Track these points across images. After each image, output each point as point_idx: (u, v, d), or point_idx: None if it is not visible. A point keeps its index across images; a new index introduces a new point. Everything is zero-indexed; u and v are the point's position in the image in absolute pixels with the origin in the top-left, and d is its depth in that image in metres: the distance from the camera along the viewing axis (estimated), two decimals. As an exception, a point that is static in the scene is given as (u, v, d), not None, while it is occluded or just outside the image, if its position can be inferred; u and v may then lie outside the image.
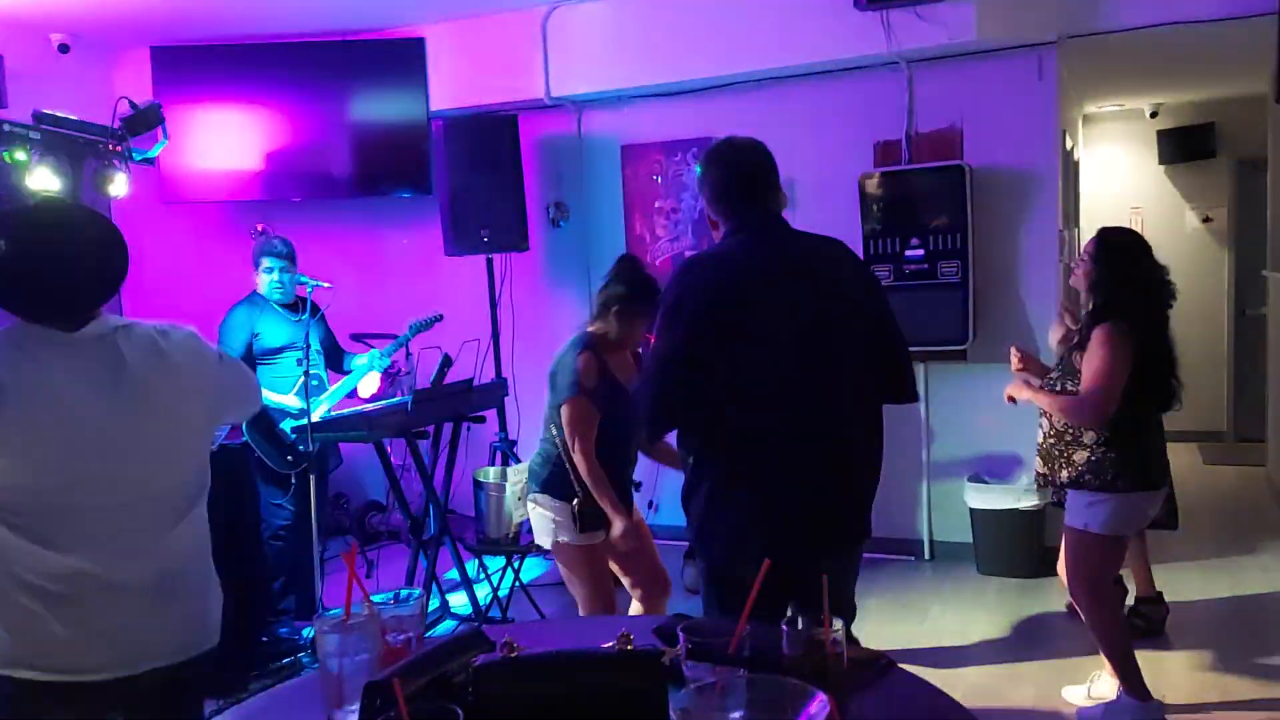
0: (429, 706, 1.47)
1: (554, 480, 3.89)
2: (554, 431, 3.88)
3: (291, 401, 5.00)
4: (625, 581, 4.12)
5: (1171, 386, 3.77)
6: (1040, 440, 3.96)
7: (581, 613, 4.03)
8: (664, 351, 2.74)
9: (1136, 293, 3.74)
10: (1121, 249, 3.85)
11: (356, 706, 1.64)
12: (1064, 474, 3.82)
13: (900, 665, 1.85)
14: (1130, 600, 4.81)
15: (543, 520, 3.94)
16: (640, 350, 3.98)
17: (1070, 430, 3.79)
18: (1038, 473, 4.01)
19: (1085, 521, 3.77)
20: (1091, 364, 3.67)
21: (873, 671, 1.79)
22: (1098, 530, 3.75)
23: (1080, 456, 3.76)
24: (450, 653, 1.72)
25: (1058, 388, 3.86)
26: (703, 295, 2.71)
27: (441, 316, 5.41)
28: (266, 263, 5.14)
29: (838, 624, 1.61)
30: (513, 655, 1.65)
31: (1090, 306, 3.89)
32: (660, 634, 1.90)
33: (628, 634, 1.67)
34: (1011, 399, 4.08)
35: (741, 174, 2.83)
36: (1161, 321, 3.79)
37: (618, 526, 3.75)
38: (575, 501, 3.80)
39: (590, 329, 3.92)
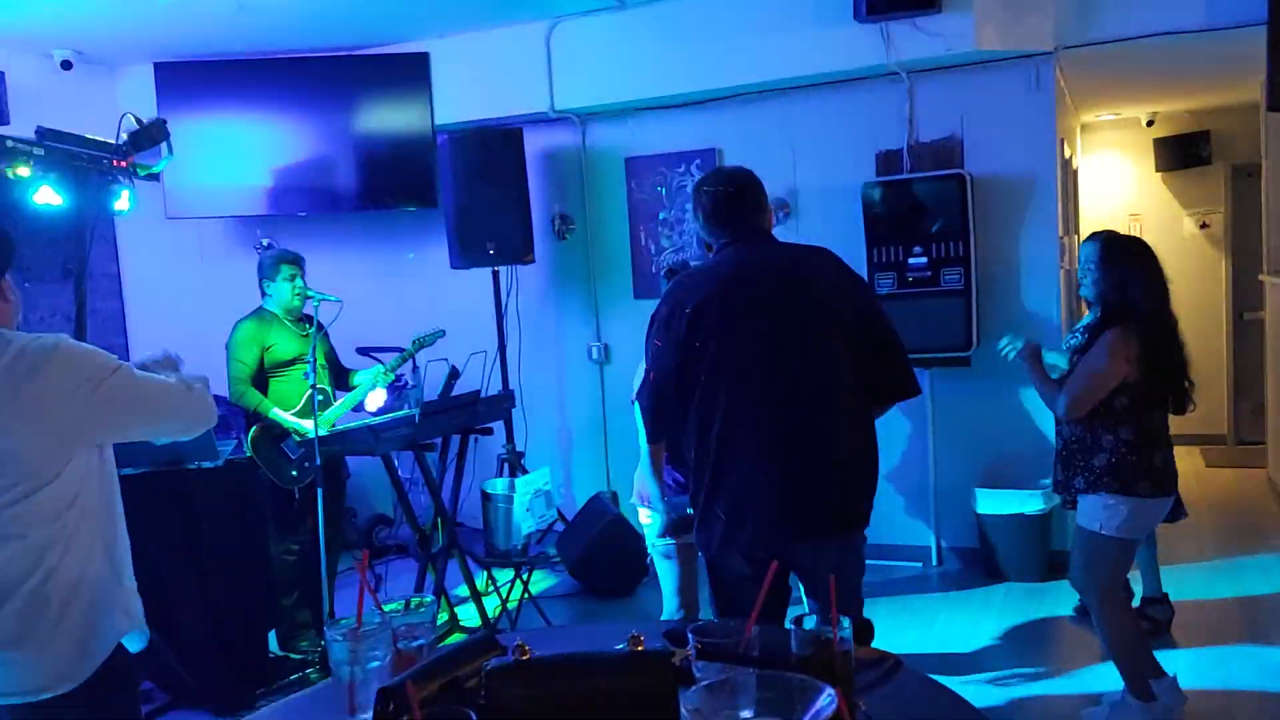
0: (442, 710, 1.49)
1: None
2: None
3: (299, 422, 5.03)
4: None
5: (1184, 390, 3.78)
6: (1060, 447, 3.97)
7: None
8: (656, 364, 3.04)
9: (1143, 297, 3.75)
10: (1125, 253, 3.86)
11: (369, 714, 1.66)
12: (1080, 480, 3.82)
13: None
14: (1135, 601, 4.81)
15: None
16: None
17: (1090, 435, 3.79)
18: (1055, 479, 4.02)
19: (1100, 524, 3.77)
20: (1087, 362, 3.72)
21: (881, 671, 1.81)
22: (1111, 533, 3.75)
23: (1100, 460, 3.75)
24: (462, 657, 1.74)
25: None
26: (688, 308, 2.98)
27: (444, 333, 5.43)
28: (286, 271, 5.12)
29: (845, 623, 1.63)
30: (524, 658, 1.67)
31: (1096, 312, 3.91)
32: (670, 636, 1.92)
33: (638, 635, 1.70)
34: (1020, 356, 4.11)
35: (726, 196, 3.11)
36: (1171, 324, 3.78)
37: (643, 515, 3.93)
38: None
39: None
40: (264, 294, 5.20)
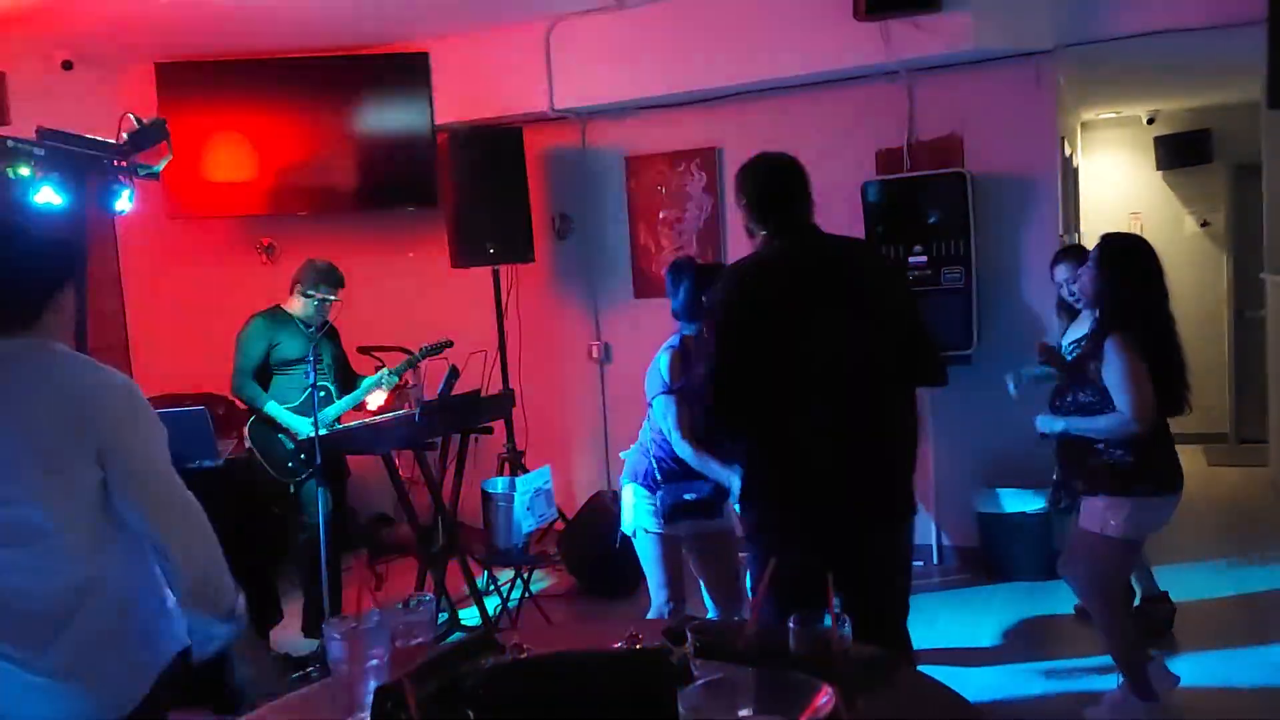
0: (440, 709, 1.49)
1: (638, 472, 4.08)
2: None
3: (296, 421, 5.06)
4: (702, 584, 4.20)
5: (1181, 391, 3.78)
6: (1057, 448, 3.96)
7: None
8: (716, 356, 2.99)
9: (1141, 298, 3.75)
10: (1125, 254, 3.86)
11: (367, 713, 1.65)
12: (1080, 481, 3.82)
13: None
14: (1135, 601, 4.81)
15: (628, 507, 4.12)
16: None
17: (1086, 437, 3.79)
18: (1056, 478, 4.02)
19: (1102, 525, 3.76)
20: (1118, 377, 3.67)
21: (880, 668, 1.81)
22: (1115, 534, 3.75)
23: (1098, 462, 3.76)
24: (461, 656, 1.74)
25: (1069, 397, 3.87)
26: (748, 299, 3.00)
27: (451, 343, 5.43)
28: (325, 291, 5.16)
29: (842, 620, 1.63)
30: (522, 657, 1.67)
31: (1096, 314, 3.91)
32: (669, 635, 1.92)
33: (636, 634, 1.69)
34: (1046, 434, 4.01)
35: (774, 185, 3.13)
36: (1169, 325, 3.78)
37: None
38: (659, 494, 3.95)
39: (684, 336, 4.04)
40: (291, 292, 5.23)
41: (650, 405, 4.01)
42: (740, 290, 3.06)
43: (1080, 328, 4.81)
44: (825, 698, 1.33)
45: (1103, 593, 3.87)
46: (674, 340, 4.03)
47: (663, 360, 3.96)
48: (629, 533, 4.13)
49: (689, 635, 1.69)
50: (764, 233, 3.14)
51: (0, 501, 2.07)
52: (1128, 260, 3.82)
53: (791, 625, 1.66)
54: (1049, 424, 3.96)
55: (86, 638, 2.12)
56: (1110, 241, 3.92)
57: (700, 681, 1.46)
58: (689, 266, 4.09)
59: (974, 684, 4.38)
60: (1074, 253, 4.99)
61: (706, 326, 3.13)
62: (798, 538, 2.95)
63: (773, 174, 3.16)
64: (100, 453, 2.10)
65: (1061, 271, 4.94)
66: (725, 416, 3.07)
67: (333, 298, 5.18)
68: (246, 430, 5.08)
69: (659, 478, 3.96)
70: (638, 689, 1.55)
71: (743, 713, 1.41)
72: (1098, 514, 3.78)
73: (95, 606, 2.13)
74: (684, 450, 3.86)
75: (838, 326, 2.96)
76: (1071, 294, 4.86)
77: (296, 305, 5.21)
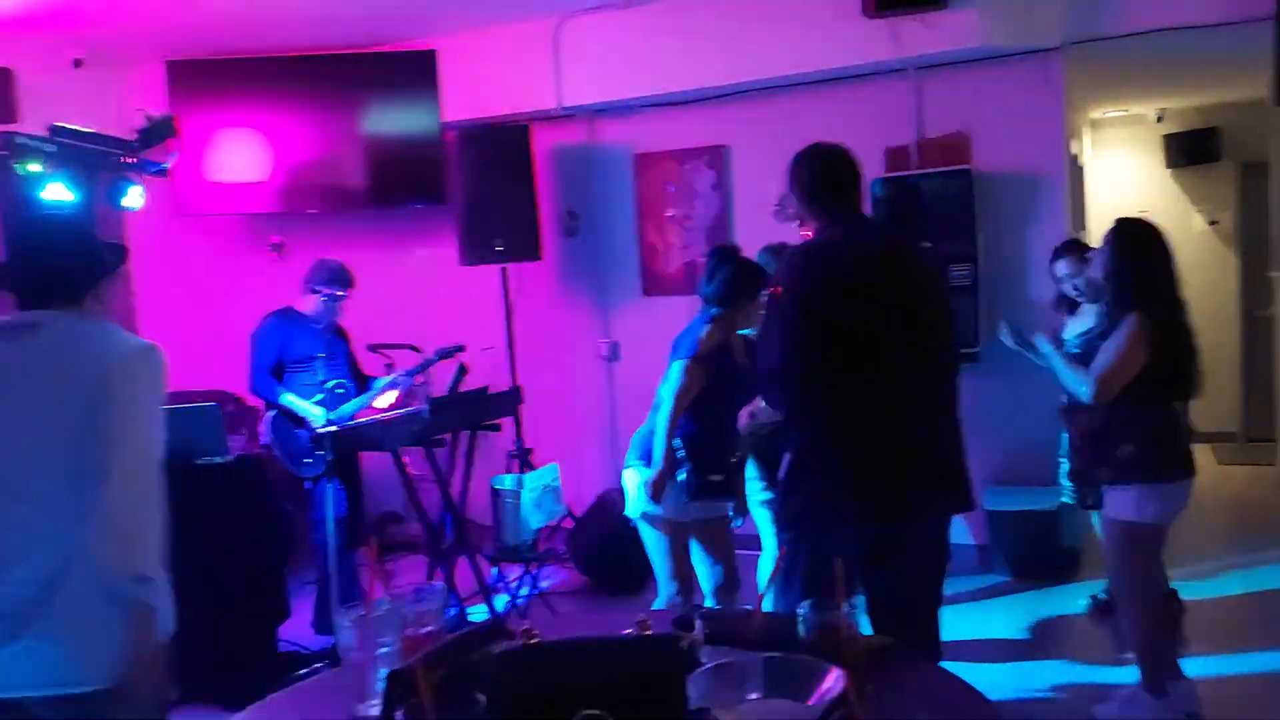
0: (451, 693, 1.50)
1: (641, 452, 4.08)
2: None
3: (313, 409, 5.07)
4: (700, 571, 4.20)
5: (1193, 374, 3.76)
6: (1076, 437, 3.95)
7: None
8: (787, 338, 3.05)
9: (1155, 280, 3.74)
10: (1139, 236, 3.84)
11: (378, 700, 1.66)
12: (1106, 470, 3.79)
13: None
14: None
15: (632, 490, 4.11)
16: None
17: (1113, 424, 3.76)
18: (1073, 469, 4.01)
19: (1135, 514, 3.73)
20: (1110, 349, 3.69)
21: (890, 657, 1.81)
22: (1150, 520, 3.73)
23: (1126, 451, 3.72)
24: (471, 642, 1.75)
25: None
26: (813, 282, 3.06)
27: (464, 347, 5.44)
28: (338, 291, 5.21)
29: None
30: (533, 643, 1.68)
31: (1105, 303, 3.90)
32: (678, 623, 1.92)
33: (645, 620, 1.70)
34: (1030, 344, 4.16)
35: (832, 174, 3.19)
36: (1181, 309, 3.77)
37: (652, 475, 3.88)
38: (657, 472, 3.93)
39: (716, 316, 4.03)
40: (304, 293, 5.26)
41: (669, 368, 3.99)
42: (808, 272, 3.10)
43: (1083, 321, 4.83)
44: (834, 680, 1.33)
45: (1138, 581, 3.84)
46: (703, 318, 4.01)
47: (702, 329, 3.94)
48: (634, 518, 4.11)
49: (698, 622, 1.70)
50: (821, 221, 3.20)
51: (24, 458, 2.21)
52: (1142, 242, 3.81)
53: (801, 612, 1.67)
54: (1042, 342, 4.12)
55: (76, 604, 2.19)
56: (1125, 224, 3.90)
57: (709, 666, 1.47)
58: (732, 255, 4.09)
59: (982, 681, 4.35)
60: (1075, 247, 4.99)
61: (775, 306, 3.13)
62: (848, 520, 2.98)
63: (829, 163, 3.21)
64: (92, 401, 2.22)
65: (1063, 266, 4.93)
66: (795, 397, 3.10)
67: (342, 294, 5.21)
68: (266, 425, 5.10)
69: (682, 455, 3.93)
70: (647, 674, 1.56)
71: (751, 696, 1.41)
72: (1130, 503, 3.74)
73: (93, 574, 2.20)
74: (661, 420, 3.87)
75: (898, 316, 3.02)
76: (1076, 288, 4.87)
77: (309, 304, 5.24)
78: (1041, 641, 4.90)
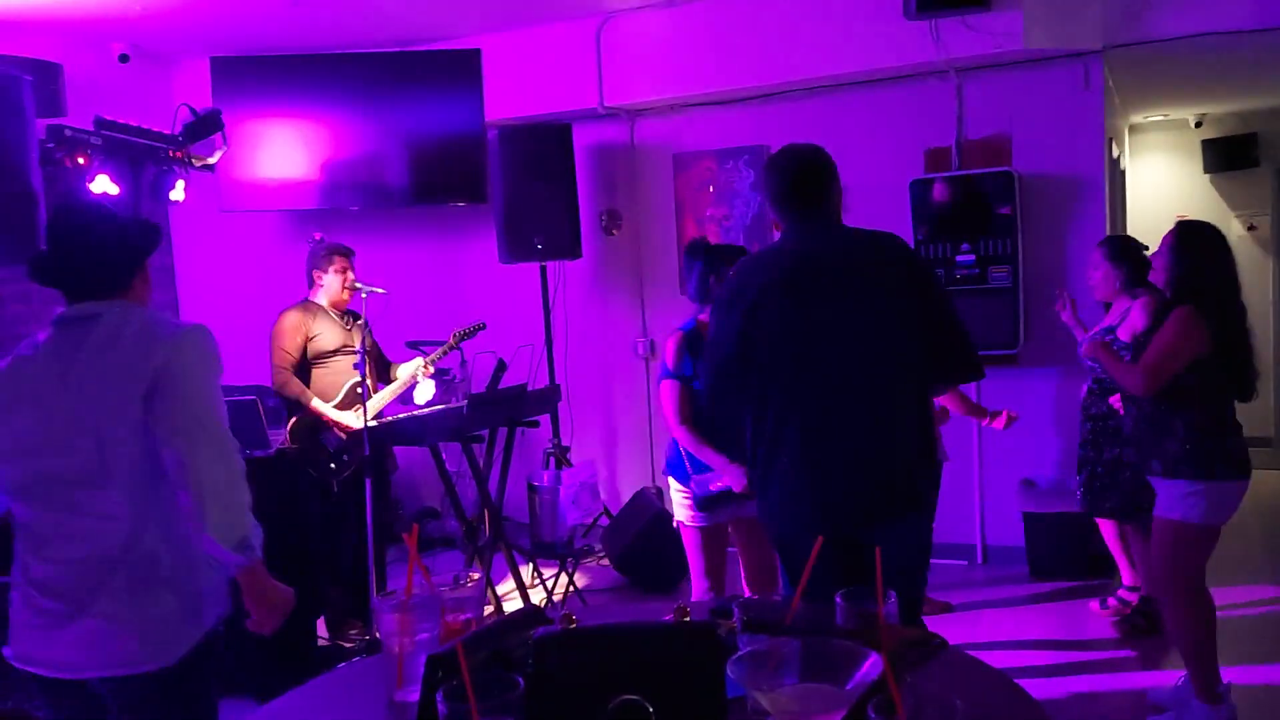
0: (490, 675, 1.51)
1: (671, 464, 4.10)
2: None
3: (336, 413, 5.07)
4: (741, 568, 4.22)
5: (1250, 376, 3.72)
6: (1130, 429, 3.93)
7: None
8: (719, 343, 3.03)
9: (1214, 280, 3.72)
10: (1201, 237, 3.83)
11: (416, 685, 1.68)
12: (1157, 463, 3.75)
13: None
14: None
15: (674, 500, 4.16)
16: None
17: (1162, 418, 3.73)
18: (1086, 464, 3.99)
19: (1184, 512, 3.68)
20: (1159, 338, 3.67)
21: (927, 648, 1.81)
22: (1198, 520, 3.67)
23: (1174, 446, 3.69)
24: (510, 627, 1.76)
25: None
26: (749, 291, 2.98)
27: (484, 325, 5.46)
28: (339, 262, 5.13)
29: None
30: (571, 628, 1.69)
31: (1167, 294, 3.87)
32: (716, 612, 1.94)
33: (684, 607, 1.71)
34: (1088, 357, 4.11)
35: (795, 178, 3.06)
36: (1239, 309, 3.74)
37: (733, 475, 3.83)
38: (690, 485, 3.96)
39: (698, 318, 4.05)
40: (311, 284, 5.22)
41: None
42: (743, 281, 3.04)
43: (1107, 320, 4.82)
44: (871, 665, 1.34)
45: (1180, 583, 3.78)
46: (688, 323, 4.02)
47: (670, 344, 3.99)
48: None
49: (736, 610, 1.71)
50: (784, 225, 3.13)
51: (84, 442, 2.27)
52: (1204, 243, 3.80)
53: (839, 601, 1.68)
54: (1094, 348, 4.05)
55: (136, 585, 2.29)
56: (1187, 226, 3.92)
57: (746, 651, 1.48)
58: (699, 248, 4.08)
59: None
60: (1104, 244, 4.99)
61: (711, 316, 3.13)
62: (797, 527, 2.96)
63: (792, 165, 3.09)
64: (150, 390, 2.29)
65: (1091, 259, 4.95)
66: (720, 407, 3.12)
67: (350, 266, 5.14)
68: (288, 430, 5.03)
69: (690, 469, 3.96)
70: (686, 660, 1.57)
71: (789, 682, 1.42)
72: (1177, 501, 3.70)
73: (145, 558, 2.30)
74: (681, 437, 3.91)
75: (840, 319, 2.92)
76: (1092, 280, 4.90)
77: (322, 292, 5.17)
78: (1075, 644, 4.86)
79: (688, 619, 1.69)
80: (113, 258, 2.46)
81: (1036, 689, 4.23)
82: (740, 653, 1.46)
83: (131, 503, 2.30)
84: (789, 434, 2.94)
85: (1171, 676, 4.05)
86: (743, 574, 4.22)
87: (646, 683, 1.56)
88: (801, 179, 3.06)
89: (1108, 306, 4.92)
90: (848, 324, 2.92)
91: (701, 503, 3.92)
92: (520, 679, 1.50)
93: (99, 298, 2.41)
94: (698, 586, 4.10)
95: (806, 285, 2.95)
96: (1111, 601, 5.10)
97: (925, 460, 3.09)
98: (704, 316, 3.97)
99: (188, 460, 2.28)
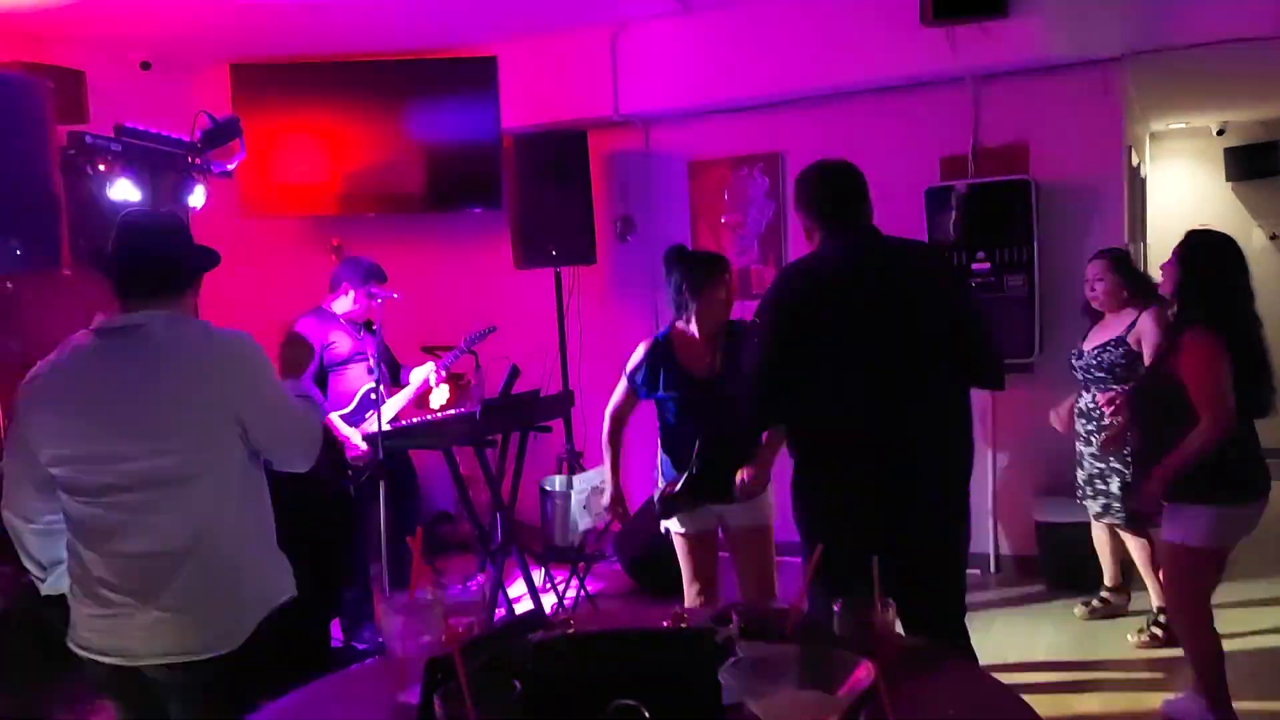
0: (488, 678, 1.53)
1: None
2: None
3: (345, 428, 5.07)
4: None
5: (1267, 392, 3.64)
6: (1130, 454, 3.86)
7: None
8: (759, 353, 3.09)
9: (1225, 294, 3.64)
10: (1209, 248, 3.75)
11: (418, 686, 1.69)
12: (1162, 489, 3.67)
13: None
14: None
15: None
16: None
17: (1168, 438, 3.62)
18: (1126, 482, 3.94)
19: (1183, 535, 3.63)
20: (1196, 373, 3.55)
21: (926, 656, 1.82)
22: (1196, 544, 3.61)
23: (1186, 471, 3.60)
24: (510, 632, 1.77)
25: (1144, 398, 3.80)
26: (792, 299, 3.09)
27: (495, 328, 5.50)
28: (376, 289, 5.14)
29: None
30: (569, 633, 1.71)
31: (1175, 309, 3.82)
32: (715, 618, 1.94)
33: (681, 612, 1.72)
34: (1153, 494, 3.71)
35: (836, 189, 3.22)
36: (1254, 324, 3.66)
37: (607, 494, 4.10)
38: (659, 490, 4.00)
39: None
40: (334, 290, 5.26)
41: None
42: (788, 288, 3.14)
43: (1105, 332, 4.80)
44: (864, 672, 1.34)
45: (1189, 606, 3.74)
46: (662, 331, 4.09)
47: (639, 349, 4.09)
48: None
49: (734, 616, 1.72)
50: (822, 235, 3.22)
51: (145, 447, 2.41)
52: (1213, 253, 3.72)
53: (836, 608, 1.69)
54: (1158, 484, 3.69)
55: (201, 578, 2.44)
56: (1195, 236, 3.81)
57: (741, 657, 1.48)
58: (674, 255, 4.11)
59: (1028, 693, 4.32)
60: (1104, 257, 5.00)
61: (755, 321, 3.18)
62: (841, 531, 2.94)
63: (828, 178, 3.25)
64: (236, 402, 2.50)
65: (1093, 269, 4.95)
66: (764, 412, 3.16)
67: (386, 294, 5.16)
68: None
69: (664, 474, 4.07)
70: (682, 665, 1.58)
71: (783, 688, 1.42)
72: (1180, 523, 3.65)
73: (211, 550, 2.45)
74: (604, 428, 4.10)
75: (882, 326, 3.00)
76: (1093, 294, 4.92)
77: (343, 303, 5.22)
78: (1089, 654, 4.83)
79: (684, 624, 1.70)
80: (179, 266, 2.63)
81: (1047, 702, 4.25)
82: (733, 659, 1.46)
83: (196, 499, 2.44)
84: (827, 445, 3.01)
85: (1187, 692, 4.00)
86: (739, 586, 4.17)
87: (643, 687, 1.57)
88: (843, 190, 3.22)
89: (1094, 313, 4.96)
90: (888, 331, 3.00)
91: (660, 510, 3.95)
92: (518, 682, 1.51)
93: (154, 303, 2.53)
94: (687, 593, 4.10)
95: (847, 294, 3.04)
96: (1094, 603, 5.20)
97: (968, 468, 3.16)
98: (681, 325, 4.02)
99: (283, 455, 2.67)
